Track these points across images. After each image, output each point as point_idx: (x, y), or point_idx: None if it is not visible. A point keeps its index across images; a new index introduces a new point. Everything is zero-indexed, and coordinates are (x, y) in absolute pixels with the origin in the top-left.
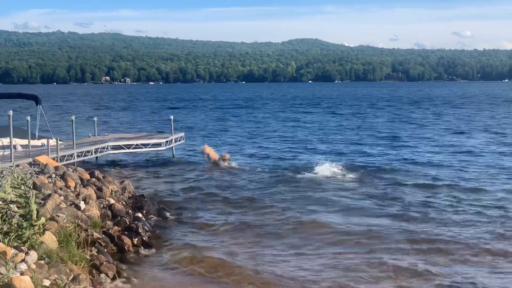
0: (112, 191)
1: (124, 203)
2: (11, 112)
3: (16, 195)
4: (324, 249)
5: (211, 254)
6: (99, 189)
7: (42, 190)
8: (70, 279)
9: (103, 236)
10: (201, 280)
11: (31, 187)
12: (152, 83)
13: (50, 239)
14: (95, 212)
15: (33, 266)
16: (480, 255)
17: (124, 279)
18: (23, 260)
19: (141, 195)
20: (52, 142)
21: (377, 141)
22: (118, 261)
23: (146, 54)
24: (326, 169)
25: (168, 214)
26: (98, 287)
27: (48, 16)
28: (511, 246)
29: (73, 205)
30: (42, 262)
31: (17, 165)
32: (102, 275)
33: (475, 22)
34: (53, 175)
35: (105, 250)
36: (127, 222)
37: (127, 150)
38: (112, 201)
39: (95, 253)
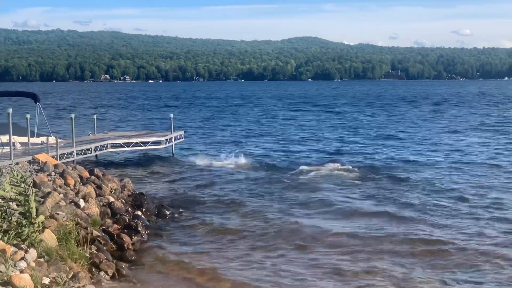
0: (111, 189)
1: (123, 201)
2: (10, 110)
3: (15, 193)
4: (318, 254)
5: (207, 255)
6: (99, 187)
7: (42, 188)
8: (69, 277)
9: (103, 234)
10: (200, 278)
11: (31, 185)
12: (152, 81)
13: (49, 237)
14: (94, 210)
15: (33, 264)
16: (488, 261)
17: (124, 277)
18: (22, 258)
19: (141, 193)
20: (52, 140)
21: (375, 141)
22: (117, 259)
23: (145, 52)
24: (323, 168)
25: (167, 212)
26: (97, 285)
27: (47, 14)
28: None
29: (72, 203)
30: (42, 260)
31: (17, 163)
32: (102, 273)
33: (475, 20)
34: (53, 173)
35: (105, 248)
36: (127, 220)
37: (126, 148)
38: (112, 199)
39: (95, 251)
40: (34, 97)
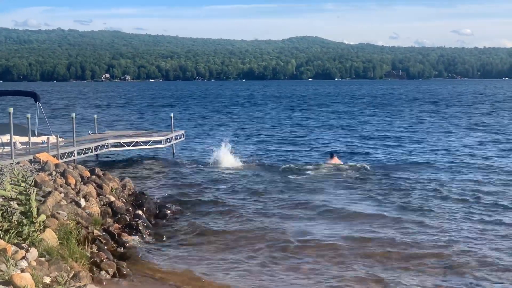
0: (112, 188)
1: (124, 200)
2: (11, 109)
3: (16, 192)
4: (307, 260)
5: (207, 255)
6: (99, 187)
7: (43, 187)
8: (70, 276)
9: (104, 233)
10: (201, 278)
11: (32, 184)
12: (152, 80)
13: (50, 236)
14: (95, 209)
15: (34, 263)
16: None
17: (124, 277)
18: (23, 257)
19: (141, 192)
20: (52, 139)
21: (373, 141)
22: (118, 258)
23: (146, 52)
24: (322, 168)
25: (168, 212)
26: (98, 284)
27: (48, 13)
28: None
29: (73, 203)
30: (43, 259)
31: (17, 163)
32: (103, 272)
33: (475, 20)
34: (54, 173)
35: (106, 247)
36: (128, 219)
37: (127, 148)
38: (113, 199)
39: (95, 251)
40: (35, 96)
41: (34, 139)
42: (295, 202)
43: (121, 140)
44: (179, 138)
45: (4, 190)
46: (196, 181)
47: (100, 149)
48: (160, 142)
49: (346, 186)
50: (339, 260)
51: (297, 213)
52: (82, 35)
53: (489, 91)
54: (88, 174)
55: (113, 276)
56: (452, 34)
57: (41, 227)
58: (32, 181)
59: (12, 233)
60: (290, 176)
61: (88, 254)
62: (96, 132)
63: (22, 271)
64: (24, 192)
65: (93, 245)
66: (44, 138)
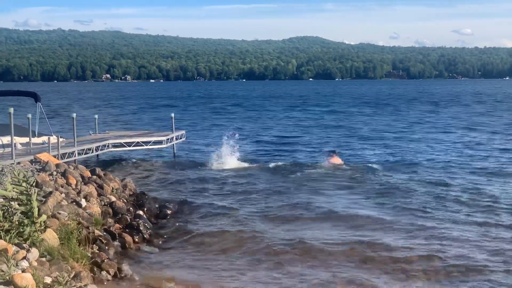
0: (113, 188)
1: (125, 200)
2: (11, 110)
3: (17, 192)
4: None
5: (209, 253)
6: (100, 187)
7: (43, 187)
8: (71, 276)
9: (104, 233)
10: (202, 277)
11: (33, 184)
12: (153, 80)
13: (51, 237)
14: (96, 209)
15: (35, 264)
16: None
17: (125, 277)
18: (24, 258)
19: (142, 192)
20: (53, 139)
21: (370, 140)
22: (119, 258)
23: (146, 52)
24: (321, 168)
25: (168, 211)
26: (99, 285)
27: (48, 13)
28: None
29: (74, 203)
30: (44, 259)
31: (18, 163)
32: (104, 273)
33: (476, 20)
34: (54, 173)
35: (106, 247)
36: (128, 219)
37: (128, 148)
38: (113, 199)
39: (96, 251)
40: (35, 97)
41: (35, 140)
42: (295, 204)
43: (122, 141)
44: (180, 138)
45: (5, 190)
46: (196, 181)
47: (101, 149)
48: (161, 142)
49: (344, 187)
50: (331, 264)
51: (297, 214)
52: (83, 35)
53: (489, 91)
54: (89, 174)
55: (114, 276)
56: (452, 34)
57: (42, 227)
58: (33, 181)
59: (13, 233)
60: (290, 176)
61: (89, 254)
62: (96, 132)
63: (23, 271)
64: (25, 192)
65: (94, 245)
66: (45, 138)
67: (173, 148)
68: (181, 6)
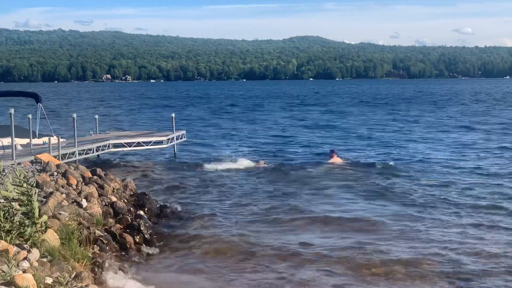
0: (114, 189)
1: (125, 200)
2: (12, 110)
3: (18, 193)
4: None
5: (210, 252)
6: (101, 187)
7: (44, 188)
8: (72, 276)
9: (105, 233)
10: (203, 277)
11: (34, 185)
12: (153, 81)
13: (52, 237)
14: (97, 210)
15: (35, 264)
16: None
17: (127, 276)
18: (25, 258)
19: (143, 192)
20: (54, 140)
21: (369, 140)
22: (120, 258)
23: (147, 52)
24: (321, 168)
25: (169, 211)
26: (100, 285)
27: (49, 14)
28: None
29: (75, 203)
30: (44, 260)
31: (19, 163)
32: (104, 273)
33: (476, 19)
34: (55, 173)
35: (107, 247)
36: (129, 219)
37: (128, 148)
38: (114, 199)
39: (97, 251)
40: (36, 97)
41: (35, 141)
42: (296, 204)
43: (123, 141)
44: (180, 138)
45: (6, 190)
46: (197, 181)
47: (102, 150)
48: (161, 142)
49: (343, 188)
50: (327, 269)
51: (298, 218)
52: (83, 36)
53: (489, 90)
54: (90, 175)
55: (115, 276)
56: (453, 33)
57: (43, 228)
58: (34, 182)
59: (14, 234)
60: (291, 177)
61: (90, 255)
62: (97, 132)
63: (24, 271)
64: (26, 192)
65: (95, 245)
66: (45, 139)
67: (174, 148)
68: (181, 6)
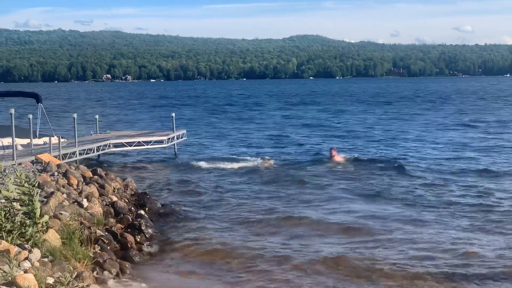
0: (114, 188)
1: (126, 200)
2: (12, 110)
3: (19, 193)
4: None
5: (210, 252)
6: (102, 187)
7: (45, 188)
8: (73, 276)
9: (106, 233)
10: (204, 277)
11: (36, 185)
12: (153, 80)
13: (53, 237)
14: (97, 209)
15: (37, 264)
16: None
17: (128, 276)
18: (26, 258)
19: (144, 192)
20: (54, 140)
21: (367, 139)
22: (121, 258)
23: (147, 52)
24: (321, 166)
25: (170, 211)
26: (101, 285)
27: (48, 14)
28: None
29: (75, 203)
30: (46, 260)
31: (20, 164)
32: (106, 273)
33: (476, 17)
34: (56, 173)
35: (108, 247)
36: (130, 219)
37: (129, 148)
38: (115, 199)
39: (98, 251)
40: (36, 98)
41: (36, 141)
42: (297, 206)
43: (123, 140)
44: (181, 138)
45: (8, 191)
46: (198, 180)
47: (102, 149)
48: (161, 142)
49: (342, 189)
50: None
51: (297, 218)
52: (83, 36)
53: (488, 88)
54: (90, 175)
55: (116, 276)
56: (453, 31)
57: (44, 228)
58: (36, 182)
59: (15, 234)
60: (291, 175)
61: (91, 254)
62: (97, 132)
63: (25, 272)
64: (27, 193)
65: (96, 245)
66: (46, 139)
67: (174, 148)
68: (181, 5)
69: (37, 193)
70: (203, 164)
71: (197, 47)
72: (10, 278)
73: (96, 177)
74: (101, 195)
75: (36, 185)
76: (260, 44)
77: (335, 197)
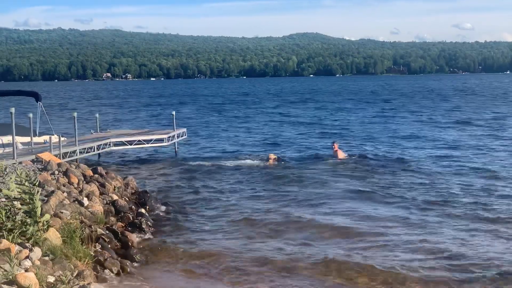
0: (115, 187)
1: (127, 199)
2: (13, 109)
3: (20, 191)
4: None
5: (211, 251)
6: (102, 185)
7: (45, 186)
8: (74, 275)
9: (107, 232)
10: (204, 277)
11: (36, 183)
12: (154, 79)
13: (54, 236)
14: (98, 208)
15: (38, 263)
16: None
17: (128, 275)
18: (27, 257)
19: (144, 191)
20: (54, 138)
21: (367, 139)
22: (122, 256)
23: (147, 50)
24: (322, 164)
25: (171, 210)
26: (102, 283)
27: (48, 13)
28: None
29: (76, 202)
30: (47, 258)
31: (20, 162)
32: (106, 271)
33: (476, 14)
34: (56, 172)
35: (109, 246)
36: (131, 218)
37: (129, 146)
38: (115, 197)
39: (99, 249)
40: (36, 96)
41: (36, 139)
42: (297, 207)
43: (123, 139)
44: (181, 136)
45: (8, 189)
46: (199, 179)
47: (103, 148)
48: (162, 140)
49: (342, 189)
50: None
51: (298, 220)
52: (83, 34)
53: (485, 86)
54: (91, 173)
55: (117, 274)
56: (453, 29)
57: (45, 227)
58: (36, 181)
59: (16, 233)
60: (294, 173)
61: (92, 253)
62: (98, 131)
63: (26, 270)
64: (28, 191)
65: (97, 244)
66: (46, 137)
67: (175, 146)
68: (181, 4)
69: (37, 192)
70: (203, 162)
71: (197, 45)
72: (11, 277)
73: (96, 175)
74: (101, 193)
75: (37, 184)
76: (260, 42)
77: (335, 197)
